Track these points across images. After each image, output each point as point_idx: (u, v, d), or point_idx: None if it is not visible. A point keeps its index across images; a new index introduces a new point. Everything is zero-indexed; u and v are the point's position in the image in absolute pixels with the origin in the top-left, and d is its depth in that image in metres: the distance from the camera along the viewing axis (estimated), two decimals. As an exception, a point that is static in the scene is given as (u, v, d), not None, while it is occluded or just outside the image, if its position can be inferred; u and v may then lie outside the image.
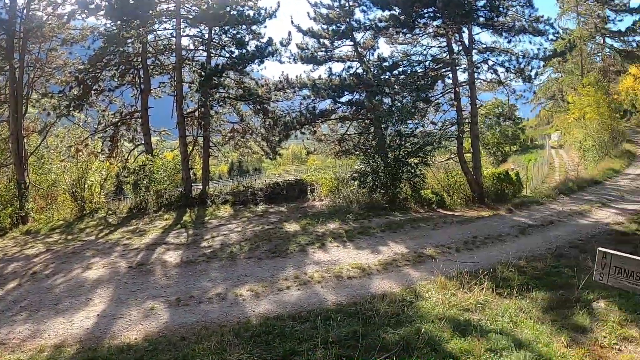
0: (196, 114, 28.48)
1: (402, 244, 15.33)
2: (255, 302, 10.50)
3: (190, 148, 27.54)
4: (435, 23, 25.88)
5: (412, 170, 22.72)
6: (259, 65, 26.64)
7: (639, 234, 16.65)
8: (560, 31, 27.31)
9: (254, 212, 21.35)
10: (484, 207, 22.99)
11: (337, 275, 12.26)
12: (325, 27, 25.40)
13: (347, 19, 24.91)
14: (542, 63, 27.04)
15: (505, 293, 10.42)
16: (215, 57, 27.50)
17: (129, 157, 29.59)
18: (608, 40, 57.45)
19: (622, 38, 55.12)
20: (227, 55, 27.05)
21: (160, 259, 14.40)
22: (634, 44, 53.89)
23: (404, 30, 25.69)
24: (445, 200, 23.78)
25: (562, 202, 23.10)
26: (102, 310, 10.36)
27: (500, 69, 26.57)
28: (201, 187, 26.81)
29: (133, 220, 20.71)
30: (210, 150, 28.56)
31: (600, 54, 60.05)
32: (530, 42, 33.27)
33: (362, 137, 26.13)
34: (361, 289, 11.24)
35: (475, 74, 26.52)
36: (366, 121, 26.02)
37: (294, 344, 7.95)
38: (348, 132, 27.35)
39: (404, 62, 25.97)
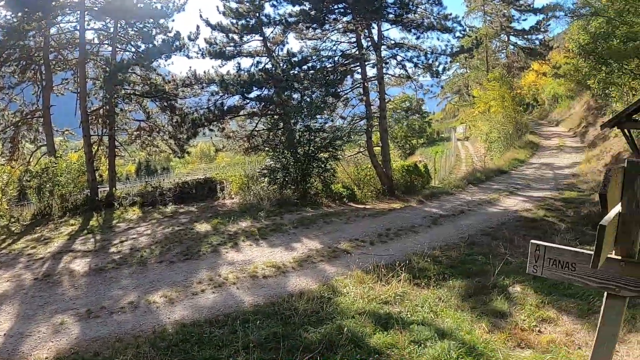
0: (101, 112, 27.22)
1: (316, 239, 15.17)
2: (170, 309, 10.02)
3: (95, 148, 26.40)
4: (345, 19, 25.89)
5: (322, 165, 22.67)
6: (166, 60, 25.93)
7: (547, 219, 17.21)
8: (467, 29, 27.78)
9: (164, 214, 20.64)
10: (395, 200, 23.11)
11: (252, 275, 11.94)
12: (234, 21, 24.83)
13: (257, 14, 24.46)
14: (449, 59, 27.54)
15: (423, 283, 10.45)
16: (121, 52, 26.51)
17: (31, 160, 27.91)
18: (512, 38, 59.60)
19: (525, 36, 57.56)
20: (133, 49, 26.17)
21: (68, 268, 13.47)
22: (537, 42, 56.37)
23: (314, 25, 25.51)
24: (356, 194, 23.83)
25: (471, 192, 23.63)
26: (8, 328, 9.53)
27: (408, 65, 27.06)
28: (108, 189, 25.79)
29: (37, 228, 19.49)
30: (116, 150, 27.36)
31: (504, 50, 62.09)
32: (438, 39, 34.12)
33: (272, 133, 25.78)
34: (278, 288, 11.00)
35: (384, 69, 26.83)
36: (275, 117, 25.73)
37: (214, 351, 7.64)
38: (257, 129, 26.92)
39: (314, 57, 25.79)
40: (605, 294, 3.51)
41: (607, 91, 26.40)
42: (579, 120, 45.49)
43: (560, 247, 3.69)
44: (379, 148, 27.10)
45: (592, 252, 3.28)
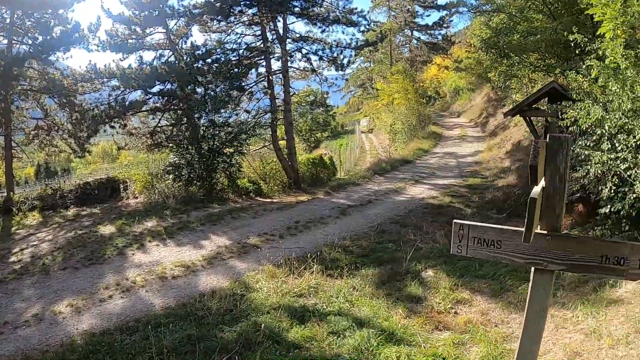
0: (-5, 110, 25.73)
1: (225, 235, 14.80)
2: (78, 319, 9.40)
3: (-10, 149, 24.85)
4: (250, 11, 25.46)
5: (228, 160, 22.11)
6: (64, 53, 24.42)
7: (453, 205, 17.78)
8: (372, 24, 27.99)
9: (65, 217, 19.43)
10: (302, 192, 22.96)
11: (161, 276, 11.47)
12: (137, 12, 23.88)
13: (161, 5, 23.64)
14: (354, 52, 27.66)
15: (336, 274, 10.44)
16: (17, 45, 25.06)
17: None
18: (416, 33, 61.43)
19: (429, 31, 59.44)
20: (30, 42, 24.74)
21: (-36, 283, 12.39)
22: (439, 37, 58.08)
23: (219, 17, 24.95)
24: (262, 188, 23.47)
25: (378, 182, 23.81)
26: None
27: (313, 58, 26.86)
28: (5, 193, 24.39)
29: None
30: (13, 150, 25.91)
31: (408, 45, 63.49)
32: (343, 32, 34.16)
33: (175, 129, 24.89)
34: (188, 288, 10.64)
35: (289, 63, 26.57)
36: (179, 112, 24.91)
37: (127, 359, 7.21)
38: (160, 124, 25.96)
39: (218, 51, 25.24)
40: (533, 269, 3.48)
41: (507, 83, 27.10)
42: (479, 112, 46.98)
43: (485, 225, 3.66)
44: (285, 142, 26.97)
45: (517, 229, 3.34)
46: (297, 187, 24.26)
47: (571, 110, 10.44)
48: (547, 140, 3.13)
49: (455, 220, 3.71)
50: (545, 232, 3.34)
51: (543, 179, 3.25)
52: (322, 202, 19.44)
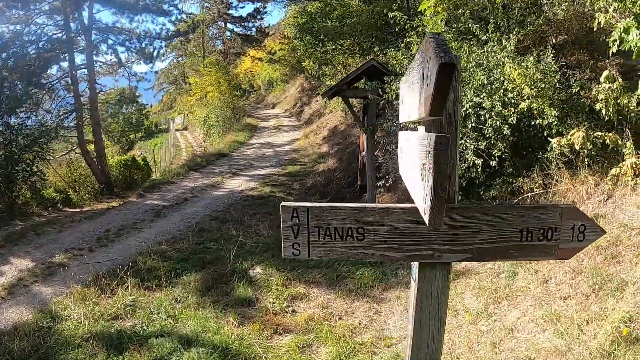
0: None
1: (27, 257, 12.62)
2: None
3: None
4: (52, -1, 23.29)
5: (28, 169, 19.52)
6: None
7: (274, 195, 17.43)
8: (185, 15, 27.12)
9: None
10: (114, 197, 21.54)
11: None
12: None
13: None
14: (164, 43, 26.43)
15: (154, 285, 9.20)
16: None
17: None
18: (230, 25, 60.24)
19: (243, 23, 58.52)
20: None
21: None
22: (254, 30, 57.55)
23: (18, 5, 22.49)
24: (71, 197, 21.52)
25: (194, 178, 22.79)
26: None
27: (120, 49, 25.68)
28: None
29: None
30: None
31: (222, 37, 62.60)
32: (153, 22, 33.06)
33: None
34: (-16, 329, 8.80)
35: (95, 56, 24.93)
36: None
37: None
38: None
39: (16, 43, 22.84)
40: (416, 266, 2.55)
41: (321, 71, 27.07)
42: (294, 102, 47.31)
43: (335, 205, 2.55)
44: (93, 144, 25.12)
45: (395, 206, 2.49)
46: (109, 191, 22.65)
47: (393, 85, 10.48)
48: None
49: (283, 204, 2.54)
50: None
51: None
52: (135, 206, 17.88)
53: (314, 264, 9.49)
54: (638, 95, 7.70)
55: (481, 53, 9.46)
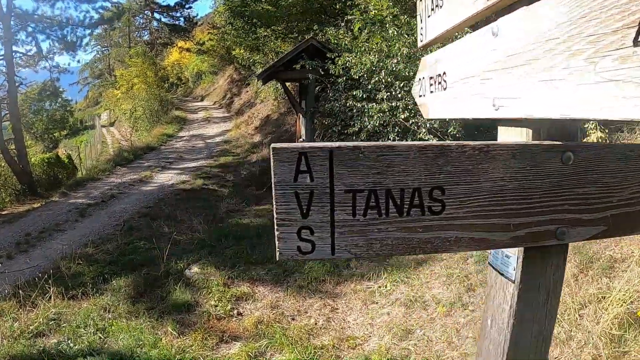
0: None
1: None
2: None
3: None
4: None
5: None
6: None
7: (207, 187, 16.79)
8: (110, 4, 26.19)
9: None
10: (38, 198, 20.06)
11: None
12: None
13: None
14: (88, 31, 25.29)
15: (80, 294, 8.04)
16: None
17: None
18: (157, 14, 59.31)
19: (170, 13, 57.69)
20: None
21: None
22: (182, 19, 56.89)
23: None
24: (-11, 200, 20.13)
25: (121, 174, 21.70)
26: None
27: (41, 37, 24.78)
28: None
29: None
30: None
31: (148, 27, 61.46)
32: (76, 9, 31.95)
33: None
34: None
35: (14, 46, 23.53)
36: None
37: None
38: None
39: None
40: (522, 252, 1.57)
41: (252, 60, 26.46)
42: (223, 93, 46.75)
43: (395, 144, 1.42)
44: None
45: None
46: (32, 192, 21.19)
47: (341, 59, 10.16)
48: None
49: (277, 145, 1.16)
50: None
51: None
52: (59, 205, 16.65)
53: (256, 260, 8.81)
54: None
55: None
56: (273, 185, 1.35)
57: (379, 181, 1.38)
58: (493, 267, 1.72)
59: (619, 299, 4.68)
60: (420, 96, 2.36)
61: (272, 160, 1.34)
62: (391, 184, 1.39)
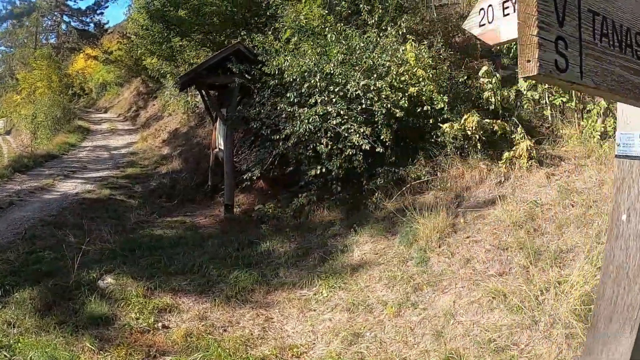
0: None
1: None
2: None
3: None
4: None
5: None
6: None
7: (114, 197, 16.33)
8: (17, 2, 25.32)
9: None
10: None
11: None
12: None
13: None
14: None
15: None
16: None
17: None
18: (66, 17, 58.13)
19: (80, 17, 56.91)
20: None
21: None
22: (92, 25, 56.31)
23: None
24: None
25: (20, 180, 20.56)
26: None
27: None
28: None
29: None
30: None
31: (56, 30, 59.92)
32: None
33: None
34: None
35: None
36: None
37: None
38: None
39: None
40: None
41: (163, 71, 26.02)
42: (129, 106, 45.98)
43: None
44: None
45: None
46: None
47: (276, 60, 10.32)
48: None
49: None
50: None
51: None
52: (-47, 214, 15.67)
53: (176, 270, 8.44)
54: (516, 88, 9.18)
55: (366, 37, 10.03)
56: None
57: (607, 11, 1.53)
58: (627, 157, 1.77)
59: (579, 282, 5.02)
60: (481, 25, 2.60)
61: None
62: (614, 14, 1.54)
